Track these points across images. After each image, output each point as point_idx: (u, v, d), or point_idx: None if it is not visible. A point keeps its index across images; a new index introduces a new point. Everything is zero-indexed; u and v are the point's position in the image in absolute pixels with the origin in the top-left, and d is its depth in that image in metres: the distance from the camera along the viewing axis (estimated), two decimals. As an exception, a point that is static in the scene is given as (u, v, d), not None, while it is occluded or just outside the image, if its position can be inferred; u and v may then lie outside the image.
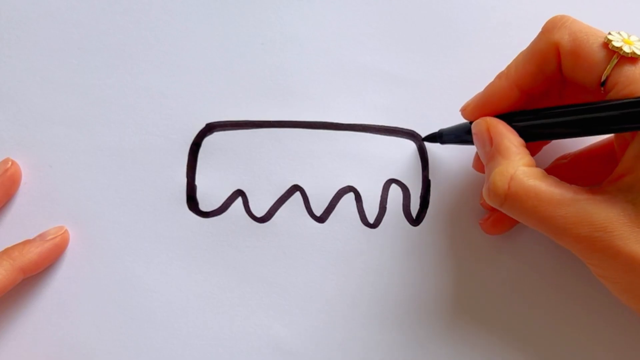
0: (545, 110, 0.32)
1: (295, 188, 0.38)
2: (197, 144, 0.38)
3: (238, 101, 0.38)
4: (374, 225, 0.38)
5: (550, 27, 0.31)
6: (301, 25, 0.39)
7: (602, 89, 0.30)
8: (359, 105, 0.38)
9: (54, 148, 0.38)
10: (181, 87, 0.38)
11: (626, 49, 0.29)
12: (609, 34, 0.30)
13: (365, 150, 0.38)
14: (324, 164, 0.38)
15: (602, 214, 0.29)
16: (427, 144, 0.38)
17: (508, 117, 0.33)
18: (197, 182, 0.38)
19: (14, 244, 0.36)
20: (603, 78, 0.30)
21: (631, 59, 0.29)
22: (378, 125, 0.38)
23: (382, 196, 0.38)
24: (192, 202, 0.38)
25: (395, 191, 0.38)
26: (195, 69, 0.38)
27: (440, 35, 0.39)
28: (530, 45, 0.32)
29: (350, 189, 0.38)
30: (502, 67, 0.38)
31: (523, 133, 0.32)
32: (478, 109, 0.34)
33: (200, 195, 0.38)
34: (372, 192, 0.38)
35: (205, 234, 0.37)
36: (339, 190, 0.38)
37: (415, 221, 0.38)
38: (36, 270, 0.36)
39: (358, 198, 0.38)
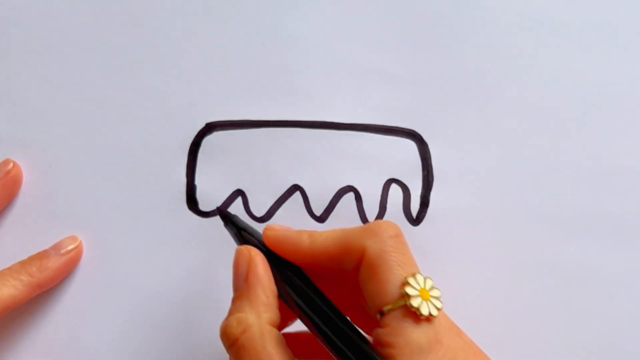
0: (316, 295, 0.30)
1: (295, 188, 0.38)
2: (196, 144, 0.38)
3: (238, 101, 0.38)
4: (374, 225, 0.37)
5: (371, 230, 0.29)
6: (302, 25, 0.39)
7: (379, 317, 0.28)
8: (359, 105, 0.38)
9: (54, 148, 0.38)
10: (181, 87, 0.38)
11: (414, 302, 0.27)
12: (414, 275, 0.28)
13: (366, 150, 0.38)
14: (324, 164, 0.38)
15: None
16: (431, 147, 0.38)
17: (290, 268, 0.31)
18: (196, 182, 0.38)
19: (29, 256, 0.36)
20: (383, 311, 0.28)
21: (414, 314, 0.27)
22: (378, 125, 0.38)
23: (382, 196, 0.38)
24: (191, 201, 0.38)
25: (395, 191, 0.38)
26: (195, 68, 0.38)
27: (440, 35, 0.39)
28: (345, 231, 0.30)
29: (350, 188, 0.38)
30: (502, 66, 0.38)
31: (282, 288, 0.30)
32: (273, 242, 0.31)
33: (200, 195, 0.38)
34: (372, 191, 0.38)
35: (205, 234, 0.37)
36: (339, 190, 0.38)
37: (415, 221, 0.38)
38: (52, 284, 0.36)
39: (358, 198, 0.38)
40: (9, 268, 0.35)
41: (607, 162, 0.38)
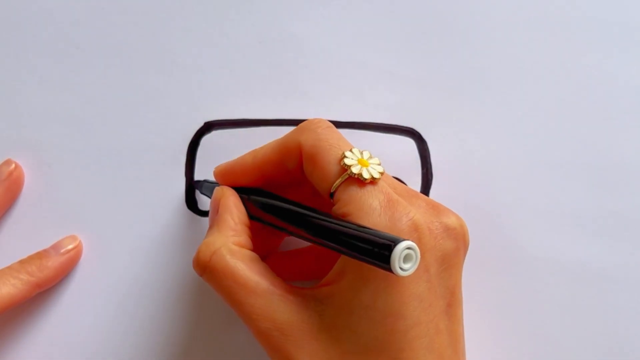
0: (274, 199, 0.32)
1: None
2: (195, 143, 0.38)
3: (237, 100, 0.38)
4: (373, 224, 0.37)
5: (301, 127, 0.31)
6: (300, 24, 0.39)
7: (331, 199, 0.30)
8: (358, 103, 0.38)
9: (53, 147, 0.38)
10: (179, 86, 0.38)
11: (354, 169, 0.29)
12: (351, 150, 0.30)
13: (365, 148, 0.38)
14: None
15: (286, 315, 0.29)
16: (430, 145, 0.38)
17: (246, 191, 0.33)
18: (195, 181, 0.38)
19: (29, 255, 0.36)
20: (332, 190, 0.30)
21: (358, 180, 0.29)
22: (377, 123, 0.38)
23: (381, 194, 0.38)
24: (190, 200, 0.38)
25: (394, 189, 0.38)
26: (194, 67, 0.38)
27: (440, 34, 0.39)
28: (283, 137, 0.32)
29: (349, 187, 0.38)
30: (502, 65, 0.38)
31: (251, 211, 0.32)
32: (224, 174, 0.34)
33: (199, 194, 0.38)
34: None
35: (204, 233, 0.37)
36: (339, 189, 0.38)
37: (415, 219, 0.37)
38: (51, 284, 0.36)
39: (357, 196, 0.38)
40: (9, 267, 0.35)
41: (607, 159, 0.38)
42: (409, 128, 0.38)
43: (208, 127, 0.38)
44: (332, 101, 0.38)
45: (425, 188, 0.38)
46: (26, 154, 0.38)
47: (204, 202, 0.38)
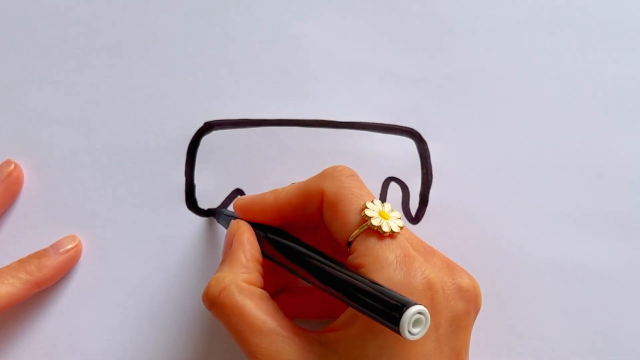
0: (289, 240, 0.32)
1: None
2: (195, 143, 0.38)
3: (237, 100, 0.38)
4: (373, 224, 0.37)
5: (325, 174, 0.32)
6: (300, 24, 0.39)
7: (349, 249, 0.30)
8: (358, 104, 0.38)
9: (52, 147, 0.38)
10: (179, 86, 0.38)
11: (374, 221, 0.29)
12: (372, 201, 0.30)
13: (365, 148, 0.38)
14: (323, 163, 0.38)
15: (290, 357, 0.28)
16: (430, 145, 0.38)
17: (264, 229, 0.33)
18: (195, 181, 0.38)
19: (28, 254, 0.36)
20: (349, 239, 0.30)
21: (377, 232, 0.29)
22: (377, 124, 0.38)
23: (381, 194, 0.38)
24: (190, 200, 0.38)
25: (394, 189, 0.38)
26: (194, 67, 0.38)
27: (440, 34, 0.39)
28: (306, 180, 0.33)
29: (349, 187, 0.38)
30: (501, 66, 0.38)
31: (265, 250, 0.33)
32: (244, 208, 0.34)
33: (199, 194, 0.38)
34: (371, 190, 0.37)
35: (204, 233, 0.37)
36: (338, 189, 0.38)
37: (415, 219, 0.37)
38: (50, 283, 0.36)
39: (357, 196, 0.38)
40: (8, 266, 0.35)
41: (607, 160, 0.38)
42: (409, 128, 0.38)
43: (208, 127, 0.38)
44: (332, 101, 0.38)
45: (425, 188, 0.38)
46: (26, 154, 0.38)
47: (203, 201, 0.38)
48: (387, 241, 0.29)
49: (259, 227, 0.33)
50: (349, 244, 0.30)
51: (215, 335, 0.37)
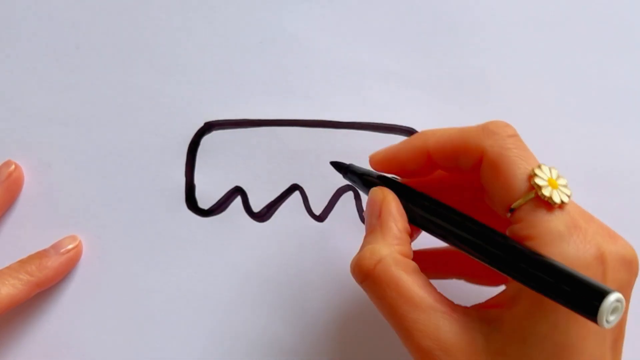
0: (446, 211, 0.30)
1: (295, 187, 0.38)
2: (195, 143, 0.38)
3: (237, 100, 0.38)
4: (373, 224, 0.37)
5: (489, 130, 0.29)
6: (300, 24, 0.39)
7: (509, 215, 0.28)
8: (358, 104, 0.38)
9: (53, 147, 0.38)
10: (179, 86, 0.38)
11: (545, 191, 0.27)
12: (540, 166, 0.28)
13: (365, 148, 0.38)
14: (323, 163, 0.38)
15: (450, 335, 0.27)
16: None
17: (410, 194, 0.31)
18: (196, 181, 0.38)
19: (29, 255, 0.36)
20: (513, 207, 0.28)
21: (546, 202, 0.27)
22: (377, 123, 0.38)
23: (381, 194, 0.38)
24: (190, 201, 0.38)
25: (394, 189, 0.38)
26: (194, 67, 0.38)
27: (439, 34, 0.39)
28: (463, 128, 0.30)
29: (349, 187, 0.38)
30: (501, 66, 0.38)
31: (413, 217, 0.31)
32: (385, 160, 0.32)
33: (199, 194, 0.38)
34: (371, 190, 0.38)
35: (204, 233, 0.37)
36: (338, 189, 0.38)
37: (415, 219, 0.37)
38: (51, 284, 0.36)
39: (357, 196, 0.38)
40: (8, 267, 0.35)
41: (607, 160, 0.38)
42: (409, 128, 0.38)
43: (208, 127, 0.38)
44: (332, 101, 0.38)
45: (425, 188, 0.37)
46: (26, 154, 0.38)
47: (203, 202, 0.38)
48: (557, 212, 0.27)
49: (401, 194, 0.31)
50: (511, 211, 0.28)
51: (215, 335, 0.37)
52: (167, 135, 0.38)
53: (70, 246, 0.37)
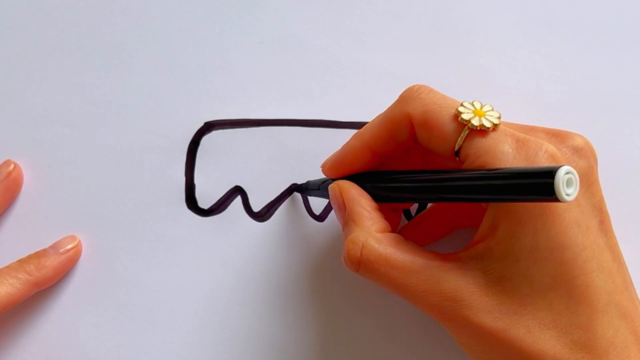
0: (398, 174, 0.32)
1: (295, 187, 0.38)
2: (195, 143, 0.38)
3: (237, 100, 0.38)
4: (373, 224, 0.37)
5: (405, 98, 0.31)
6: (300, 24, 0.39)
7: (457, 158, 0.30)
8: (358, 104, 0.38)
9: (53, 148, 0.38)
10: (180, 86, 0.38)
11: (475, 121, 0.29)
12: (462, 104, 0.29)
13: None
14: (323, 163, 0.38)
15: (452, 283, 0.28)
16: None
17: (361, 178, 0.33)
18: (196, 181, 0.38)
19: (28, 255, 0.36)
20: (455, 149, 0.29)
21: (480, 131, 0.29)
22: (377, 123, 0.38)
23: (381, 194, 0.38)
24: (190, 200, 0.38)
25: (394, 189, 0.38)
26: (194, 67, 0.38)
27: (440, 34, 0.39)
28: (385, 111, 0.32)
29: (349, 187, 0.38)
30: (501, 65, 0.38)
31: (376, 195, 0.32)
32: (335, 167, 0.34)
33: (199, 194, 0.38)
34: (371, 190, 0.38)
35: (204, 233, 0.37)
36: (339, 189, 0.38)
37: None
38: (50, 283, 0.36)
39: (357, 196, 0.38)
40: (7, 266, 0.35)
41: (607, 160, 0.38)
42: (409, 128, 0.38)
43: (208, 127, 0.38)
44: (332, 101, 0.38)
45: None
46: (26, 154, 0.38)
47: (203, 201, 0.38)
48: (493, 134, 0.29)
49: (355, 180, 0.33)
50: (457, 152, 0.29)
51: (215, 334, 0.37)
52: (167, 135, 0.38)
53: (69, 246, 0.37)
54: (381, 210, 0.32)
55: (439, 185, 0.29)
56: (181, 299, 0.37)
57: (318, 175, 0.37)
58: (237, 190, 0.38)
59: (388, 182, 0.32)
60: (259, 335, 0.37)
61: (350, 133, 0.38)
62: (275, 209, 0.38)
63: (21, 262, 0.36)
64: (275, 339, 0.37)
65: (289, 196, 0.38)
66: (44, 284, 0.36)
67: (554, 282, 0.28)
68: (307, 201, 0.38)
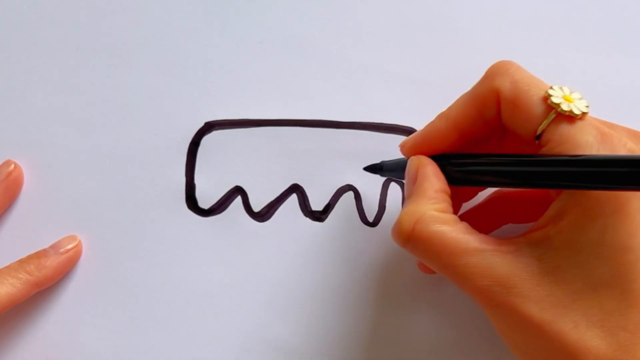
0: (479, 157, 0.31)
1: (295, 187, 0.38)
2: (196, 143, 0.38)
3: (237, 100, 0.38)
4: (373, 224, 0.37)
5: (493, 73, 0.30)
6: (300, 24, 0.39)
7: (537, 142, 0.29)
8: (358, 104, 0.38)
9: (53, 148, 0.38)
10: (180, 86, 0.38)
11: (564, 106, 0.28)
12: (551, 87, 0.29)
13: (365, 148, 0.38)
14: (323, 163, 0.38)
15: (505, 268, 0.28)
16: None
17: (443, 158, 0.32)
18: (196, 181, 0.38)
19: (28, 255, 0.36)
20: (538, 132, 0.29)
21: (568, 117, 0.28)
22: (377, 123, 0.38)
23: (381, 195, 0.38)
24: (191, 201, 0.38)
25: (394, 189, 0.38)
26: (194, 67, 0.38)
27: (439, 34, 0.39)
28: (472, 88, 0.32)
29: (349, 187, 0.38)
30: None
31: (454, 178, 0.31)
32: (416, 147, 0.33)
33: (199, 194, 0.38)
34: (371, 190, 0.38)
35: (204, 233, 0.37)
36: (339, 189, 0.38)
37: (415, 219, 0.37)
38: (50, 283, 0.36)
39: (357, 197, 0.38)
40: (7, 267, 0.35)
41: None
42: (409, 128, 0.38)
43: (208, 127, 0.38)
44: (332, 101, 0.38)
45: (426, 188, 0.37)
46: (26, 154, 0.38)
47: (204, 201, 0.38)
48: (580, 124, 0.28)
49: (438, 159, 0.32)
50: (538, 137, 0.29)
51: (215, 334, 0.37)
52: (168, 135, 0.38)
53: (69, 246, 0.37)
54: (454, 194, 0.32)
55: (528, 171, 0.29)
56: (181, 299, 0.37)
57: (318, 175, 0.37)
58: (237, 190, 0.38)
59: (467, 165, 0.31)
60: (258, 335, 0.37)
61: (350, 133, 0.38)
62: (275, 209, 0.38)
63: (21, 262, 0.36)
64: (274, 339, 0.37)
65: (289, 196, 0.38)
66: (44, 284, 0.36)
67: (610, 281, 0.27)
68: (307, 201, 0.38)
